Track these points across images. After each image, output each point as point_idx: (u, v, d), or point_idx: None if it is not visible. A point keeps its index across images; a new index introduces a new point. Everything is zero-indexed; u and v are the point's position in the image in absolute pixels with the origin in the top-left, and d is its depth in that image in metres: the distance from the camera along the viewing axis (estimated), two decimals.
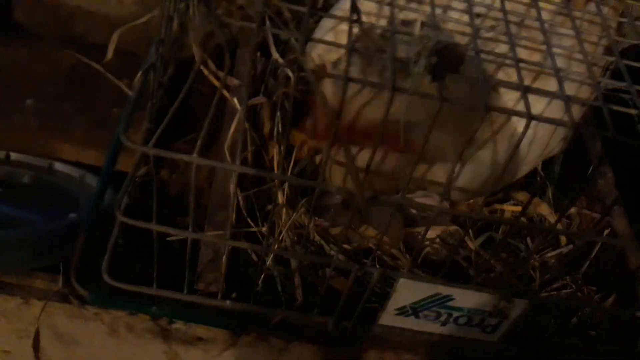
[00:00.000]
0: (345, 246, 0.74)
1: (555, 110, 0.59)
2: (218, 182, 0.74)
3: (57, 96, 0.90)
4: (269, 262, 0.67)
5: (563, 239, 0.81)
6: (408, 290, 0.60)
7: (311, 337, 0.66)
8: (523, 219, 0.76)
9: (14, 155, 0.84)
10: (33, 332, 0.67)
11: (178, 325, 0.66)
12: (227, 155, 0.73)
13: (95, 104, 0.89)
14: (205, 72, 0.76)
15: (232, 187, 0.69)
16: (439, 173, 0.64)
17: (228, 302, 0.64)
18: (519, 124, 0.61)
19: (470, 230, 0.76)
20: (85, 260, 0.63)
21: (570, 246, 0.79)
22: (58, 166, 0.85)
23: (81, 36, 1.05)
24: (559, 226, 0.79)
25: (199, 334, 0.67)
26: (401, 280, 0.59)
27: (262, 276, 0.67)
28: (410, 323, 0.63)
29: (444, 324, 0.63)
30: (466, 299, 0.60)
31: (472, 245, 0.74)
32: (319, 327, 0.65)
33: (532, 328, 0.67)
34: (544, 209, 0.84)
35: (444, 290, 0.59)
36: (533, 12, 0.60)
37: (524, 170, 0.72)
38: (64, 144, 0.88)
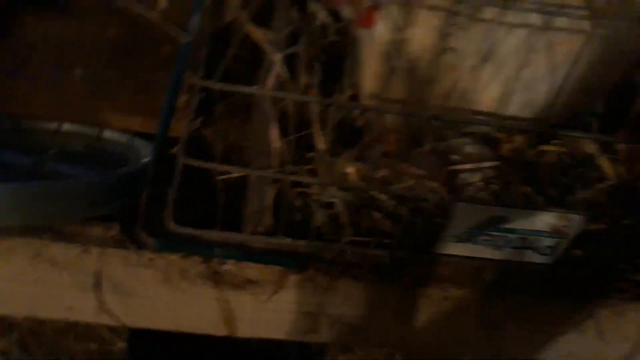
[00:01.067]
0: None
1: None
2: (257, 129, 0.75)
3: (103, 65, 0.93)
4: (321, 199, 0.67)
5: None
6: (466, 215, 0.60)
7: (360, 274, 0.66)
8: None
9: (66, 126, 0.87)
10: (93, 284, 0.69)
11: (229, 266, 0.67)
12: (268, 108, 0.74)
13: (140, 71, 0.91)
14: (247, 28, 0.78)
15: (273, 132, 0.70)
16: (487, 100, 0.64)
17: (286, 239, 0.65)
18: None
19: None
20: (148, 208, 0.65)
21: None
22: (107, 134, 0.87)
23: (124, 9, 1.09)
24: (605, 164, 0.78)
25: (249, 276, 0.68)
26: (459, 204, 0.58)
27: (312, 215, 0.68)
28: (466, 249, 0.63)
29: (499, 247, 0.63)
30: (522, 220, 0.60)
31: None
32: (373, 261, 0.66)
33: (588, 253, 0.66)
34: (589, 147, 0.82)
35: (500, 212, 0.59)
36: None
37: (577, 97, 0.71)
38: (112, 112, 0.90)
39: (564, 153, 0.80)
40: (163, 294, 0.71)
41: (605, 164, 0.78)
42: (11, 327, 1.63)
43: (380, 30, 0.67)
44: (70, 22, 0.96)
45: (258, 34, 0.77)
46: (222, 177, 0.67)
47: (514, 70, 0.63)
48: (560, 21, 0.62)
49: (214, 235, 0.64)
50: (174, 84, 0.65)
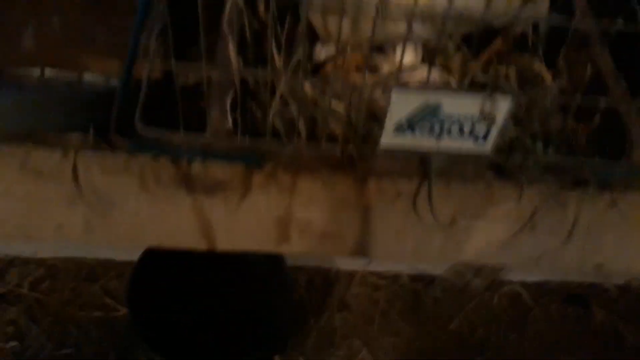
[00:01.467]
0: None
1: None
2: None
3: (79, 12, 0.99)
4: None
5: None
6: (402, 103, 0.66)
7: (317, 170, 0.73)
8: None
9: (48, 71, 0.93)
10: (78, 195, 0.76)
11: (197, 167, 0.73)
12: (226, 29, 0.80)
13: (114, 15, 0.98)
14: None
15: (232, 53, 0.76)
16: None
17: (246, 139, 0.71)
18: None
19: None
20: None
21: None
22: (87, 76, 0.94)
23: None
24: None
25: (217, 176, 0.75)
26: (394, 91, 0.65)
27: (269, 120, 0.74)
28: (408, 139, 0.69)
29: (438, 135, 0.69)
30: (454, 104, 0.66)
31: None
32: (327, 157, 0.72)
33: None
34: (536, 66, 0.88)
35: (433, 97, 0.65)
36: None
37: None
38: (90, 56, 0.97)
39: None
40: (143, 205, 0.78)
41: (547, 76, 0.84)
42: (19, 298, 1.72)
43: None
44: None
45: None
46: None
47: None
48: None
49: (180, 136, 0.70)
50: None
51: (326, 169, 0.73)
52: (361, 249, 0.88)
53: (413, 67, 0.82)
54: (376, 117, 0.74)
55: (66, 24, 0.98)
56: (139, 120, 0.70)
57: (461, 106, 0.66)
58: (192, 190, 0.77)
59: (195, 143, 0.71)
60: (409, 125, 0.68)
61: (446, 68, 0.81)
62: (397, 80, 0.72)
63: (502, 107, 0.65)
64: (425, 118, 0.68)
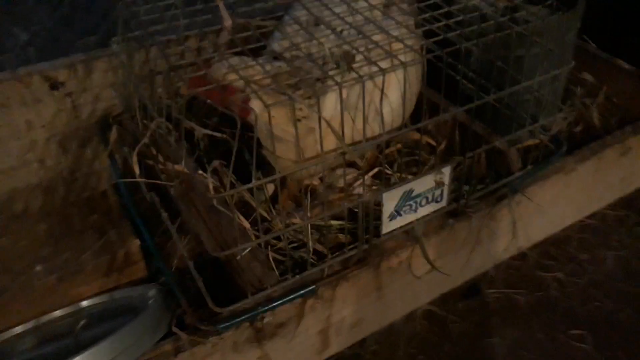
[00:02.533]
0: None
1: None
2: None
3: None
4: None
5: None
6: (390, 199, 0.93)
7: (346, 274, 0.95)
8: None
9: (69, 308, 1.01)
10: None
11: (268, 318, 0.90)
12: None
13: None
14: None
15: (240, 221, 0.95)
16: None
17: (293, 278, 0.90)
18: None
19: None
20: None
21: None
22: (85, 303, 1.03)
23: None
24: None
25: (281, 319, 0.92)
26: (384, 194, 0.91)
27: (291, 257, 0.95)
28: (398, 222, 0.96)
29: (415, 211, 0.97)
30: (419, 186, 0.95)
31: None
32: (351, 261, 0.95)
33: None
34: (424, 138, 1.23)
35: (407, 186, 0.94)
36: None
37: (410, 108, 1.09)
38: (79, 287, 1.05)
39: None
40: None
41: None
42: None
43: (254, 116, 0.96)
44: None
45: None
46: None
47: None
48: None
49: (250, 301, 0.87)
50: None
51: (352, 270, 0.95)
52: (378, 321, 1.11)
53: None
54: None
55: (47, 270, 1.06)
56: (212, 305, 0.85)
57: (423, 185, 0.96)
58: (261, 341, 0.92)
59: (262, 300, 0.88)
60: (397, 211, 0.95)
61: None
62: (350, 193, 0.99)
63: (446, 173, 0.97)
64: (405, 202, 0.95)
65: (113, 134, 1.08)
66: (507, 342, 1.22)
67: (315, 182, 1.13)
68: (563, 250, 1.53)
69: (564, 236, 1.42)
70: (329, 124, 0.83)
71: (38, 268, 1.04)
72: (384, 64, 0.85)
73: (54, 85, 1.10)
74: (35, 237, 1.10)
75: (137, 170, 0.91)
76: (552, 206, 1.19)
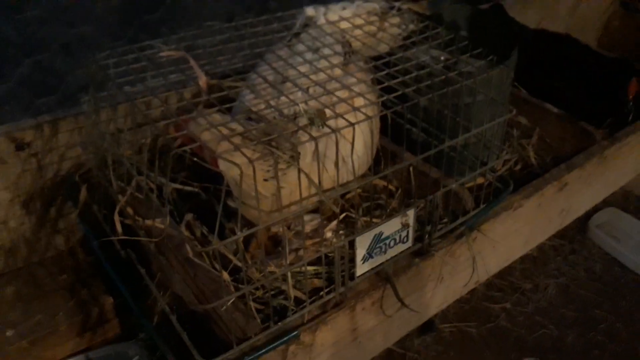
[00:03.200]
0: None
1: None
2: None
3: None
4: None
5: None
6: (362, 242, 0.99)
7: (324, 319, 0.99)
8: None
9: None
10: None
11: None
12: None
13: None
14: None
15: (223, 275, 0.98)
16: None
17: (274, 325, 0.93)
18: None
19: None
20: None
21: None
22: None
23: None
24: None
25: None
26: (357, 237, 0.97)
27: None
28: (370, 264, 1.02)
29: (384, 252, 1.03)
30: (388, 228, 1.02)
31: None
32: (329, 305, 0.99)
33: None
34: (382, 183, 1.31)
35: (377, 230, 1.00)
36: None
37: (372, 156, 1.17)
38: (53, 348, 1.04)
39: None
40: None
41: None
42: None
43: (224, 168, 1.00)
44: None
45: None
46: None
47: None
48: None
49: (236, 351, 0.89)
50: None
51: (330, 314, 1.00)
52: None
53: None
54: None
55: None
56: (198, 357, 0.87)
57: (391, 227, 1.02)
58: None
59: (247, 349, 0.91)
60: (369, 254, 1.01)
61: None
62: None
63: (410, 215, 1.04)
64: (375, 245, 1.02)
65: (83, 193, 1.09)
66: None
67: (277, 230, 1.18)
68: (507, 281, 1.64)
69: (507, 267, 1.53)
70: (307, 175, 0.88)
71: (9, 333, 1.02)
72: (351, 118, 0.92)
73: (20, 146, 1.10)
74: (3, 301, 1.08)
75: (119, 228, 0.92)
76: (503, 240, 1.29)
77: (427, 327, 1.41)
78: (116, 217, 0.92)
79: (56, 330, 1.04)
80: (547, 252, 1.81)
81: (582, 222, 1.86)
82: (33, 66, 2.02)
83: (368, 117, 0.92)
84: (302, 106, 0.93)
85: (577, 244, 1.86)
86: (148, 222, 0.95)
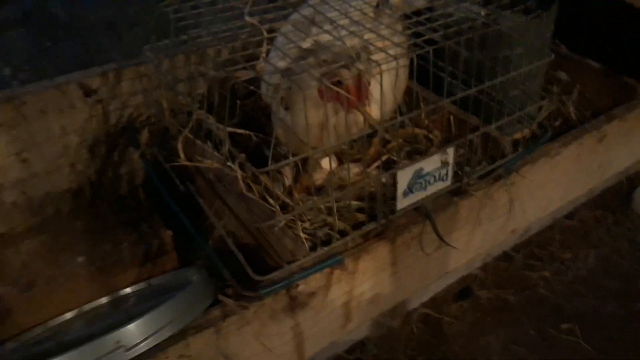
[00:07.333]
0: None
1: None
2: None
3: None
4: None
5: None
6: (403, 177, 1.05)
7: (366, 247, 1.06)
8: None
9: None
10: None
11: (302, 285, 0.99)
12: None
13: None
14: None
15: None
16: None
17: (321, 249, 1.01)
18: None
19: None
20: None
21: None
22: (129, 289, 1.12)
23: None
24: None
25: (312, 288, 1.02)
26: (399, 171, 1.03)
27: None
28: (411, 199, 1.08)
29: (424, 188, 1.09)
30: (428, 165, 1.07)
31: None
32: (370, 235, 1.06)
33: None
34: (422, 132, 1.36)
35: (417, 165, 1.06)
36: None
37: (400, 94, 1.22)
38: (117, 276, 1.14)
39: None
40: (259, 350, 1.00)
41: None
42: None
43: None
44: None
45: None
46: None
47: None
48: None
49: (285, 270, 0.97)
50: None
51: (372, 243, 1.06)
52: (392, 299, 1.21)
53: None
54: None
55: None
56: (252, 274, 0.95)
57: (432, 164, 1.08)
58: (294, 310, 1.02)
59: (296, 269, 0.98)
60: (409, 189, 1.07)
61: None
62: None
63: (450, 153, 1.09)
64: (416, 181, 1.07)
65: (144, 135, 1.18)
66: (500, 339, 1.32)
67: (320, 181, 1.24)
68: (547, 250, 1.64)
69: (546, 238, 1.54)
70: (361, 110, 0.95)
71: (80, 259, 1.12)
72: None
73: (88, 92, 1.20)
74: (74, 234, 1.19)
75: (182, 155, 1.01)
76: (540, 188, 1.33)
77: (464, 292, 1.43)
78: (179, 145, 1.00)
79: (121, 259, 1.13)
80: (588, 222, 1.79)
81: (626, 194, 1.84)
82: (81, 46, 2.15)
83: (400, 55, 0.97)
84: (348, 41, 0.99)
85: (620, 215, 1.82)
86: (207, 155, 1.03)
